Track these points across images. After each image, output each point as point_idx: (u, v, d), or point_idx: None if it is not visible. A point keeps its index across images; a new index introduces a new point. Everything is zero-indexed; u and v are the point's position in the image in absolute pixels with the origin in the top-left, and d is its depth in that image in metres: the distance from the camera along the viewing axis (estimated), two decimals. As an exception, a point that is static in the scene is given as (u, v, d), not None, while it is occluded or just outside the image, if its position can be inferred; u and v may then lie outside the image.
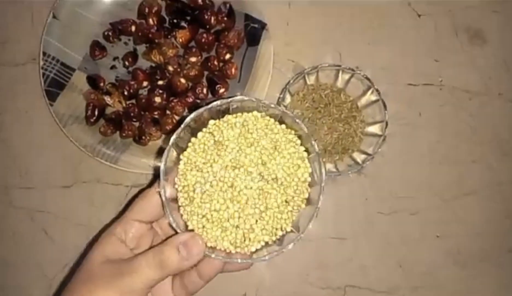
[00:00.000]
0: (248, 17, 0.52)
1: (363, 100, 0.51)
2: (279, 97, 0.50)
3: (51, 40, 0.51)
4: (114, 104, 0.52)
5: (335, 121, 0.51)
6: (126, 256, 0.32)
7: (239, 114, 0.35)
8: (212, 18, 0.52)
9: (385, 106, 0.48)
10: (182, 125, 0.34)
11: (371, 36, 0.54)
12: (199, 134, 0.35)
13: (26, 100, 0.53)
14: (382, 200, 0.52)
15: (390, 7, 0.54)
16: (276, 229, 0.34)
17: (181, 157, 0.35)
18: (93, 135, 0.51)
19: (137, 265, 0.31)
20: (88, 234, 0.52)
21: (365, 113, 0.51)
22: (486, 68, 0.54)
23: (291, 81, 0.49)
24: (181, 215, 0.34)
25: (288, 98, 0.51)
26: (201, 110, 0.34)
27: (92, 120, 0.51)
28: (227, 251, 0.34)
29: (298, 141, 0.35)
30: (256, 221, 0.34)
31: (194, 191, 0.34)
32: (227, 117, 0.35)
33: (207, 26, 0.52)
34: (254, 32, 0.51)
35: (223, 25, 0.52)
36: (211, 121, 0.35)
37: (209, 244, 0.33)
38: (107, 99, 0.51)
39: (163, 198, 0.33)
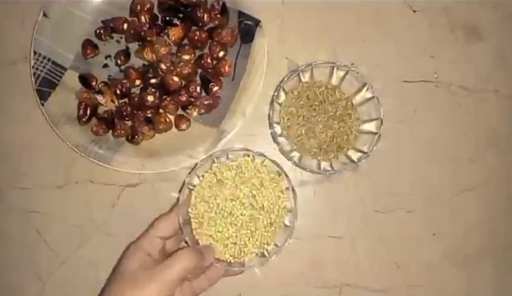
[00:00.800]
0: (241, 14, 0.51)
1: (358, 98, 0.50)
2: (273, 95, 0.49)
3: (42, 39, 0.50)
4: (106, 103, 0.51)
5: (330, 119, 0.50)
6: (153, 265, 0.40)
7: (235, 158, 0.47)
8: (205, 16, 0.51)
9: (380, 103, 0.48)
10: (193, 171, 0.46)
11: (366, 33, 0.53)
12: (206, 175, 0.47)
13: (18, 100, 0.53)
14: (378, 198, 0.52)
15: (385, 3, 0.53)
16: (264, 243, 0.47)
17: (192, 192, 0.47)
18: (85, 135, 0.50)
19: (172, 260, 0.39)
20: (81, 234, 0.52)
21: (360, 111, 0.51)
22: (483, 64, 0.53)
23: (285, 79, 0.49)
24: (194, 235, 0.46)
25: (282, 96, 0.51)
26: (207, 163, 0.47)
27: (84, 119, 0.50)
28: (228, 261, 0.46)
29: (279, 178, 0.47)
30: (249, 238, 0.46)
31: (202, 217, 0.46)
32: (226, 161, 0.47)
33: (200, 24, 0.51)
34: (247, 30, 0.51)
35: (216, 22, 0.52)
36: (214, 164, 0.47)
37: (216, 256, 0.45)
38: (100, 98, 0.51)
39: (180, 223, 0.44)
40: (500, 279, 0.52)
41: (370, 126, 0.50)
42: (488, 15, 0.53)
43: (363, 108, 0.51)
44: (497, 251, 0.52)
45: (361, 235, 0.52)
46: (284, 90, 0.51)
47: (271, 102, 0.49)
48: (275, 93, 0.49)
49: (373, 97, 0.48)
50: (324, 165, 0.50)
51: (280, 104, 0.51)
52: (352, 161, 0.49)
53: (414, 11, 0.53)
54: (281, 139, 0.50)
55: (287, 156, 0.49)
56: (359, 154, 0.49)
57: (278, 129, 0.51)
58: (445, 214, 0.52)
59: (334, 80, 0.51)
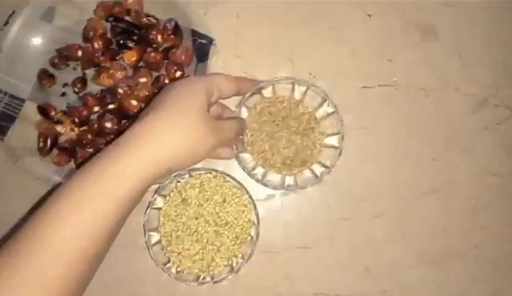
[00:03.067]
0: (195, 33, 0.51)
1: (321, 112, 0.51)
2: (235, 112, 0.49)
3: (-3, 73, 0.50)
4: (66, 132, 0.51)
5: (293, 134, 0.50)
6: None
7: (197, 176, 0.50)
8: (159, 36, 0.51)
9: (340, 117, 0.49)
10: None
11: (321, 41, 0.53)
12: (171, 194, 0.50)
13: (-23, 136, 0.52)
14: (344, 205, 0.52)
15: (338, 9, 0.53)
16: (232, 256, 0.49)
17: (160, 211, 0.50)
18: (47, 166, 0.50)
19: (234, 124, 0.43)
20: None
21: (323, 125, 0.51)
22: (441, 63, 0.53)
23: (247, 95, 0.49)
24: (164, 253, 0.50)
25: (245, 112, 0.51)
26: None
27: (45, 151, 0.50)
28: (198, 275, 0.49)
29: (241, 192, 0.49)
30: (215, 253, 0.49)
31: (171, 236, 0.49)
32: (189, 179, 0.50)
33: (155, 45, 0.51)
34: (202, 48, 0.51)
35: (170, 43, 0.51)
36: (179, 184, 0.50)
37: (185, 271, 0.49)
38: (59, 128, 0.51)
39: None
40: (471, 276, 0.52)
41: (333, 140, 0.50)
42: (443, 13, 0.53)
43: (326, 122, 0.51)
44: (465, 251, 0.52)
45: (330, 243, 0.52)
46: (246, 106, 0.51)
47: None
48: (237, 110, 0.49)
49: (334, 112, 0.49)
50: (288, 180, 0.50)
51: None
52: (316, 176, 0.50)
53: (369, 15, 0.53)
54: (242, 156, 0.50)
55: (249, 173, 0.49)
56: (322, 169, 0.50)
57: None
58: (412, 216, 0.52)
59: (297, 95, 0.51)
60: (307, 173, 0.51)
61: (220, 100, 0.44)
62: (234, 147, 0.47)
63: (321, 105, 0.50)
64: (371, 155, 0.52)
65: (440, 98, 0.53)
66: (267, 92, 0.51)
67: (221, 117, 0.47)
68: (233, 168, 0.50)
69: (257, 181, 0.49)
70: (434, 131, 0.53)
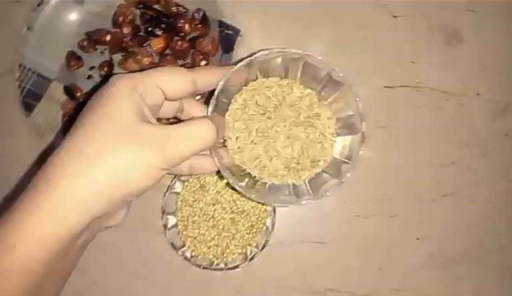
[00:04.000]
0: (222, 24, 0.52)
1: (326, 91, 0.38)
2: (208, 108, 0.35)
3: (27, 52, 0.51)
4: (90, 114, 0.52)
5: (292, 126, 0.37)
6: (150, 120, 0.29)
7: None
8: (186, 26, 0.52)
9: (355, 93, 0.36)
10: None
11: (346, 39, 0.53)
12: (190, 180, 0.48)
13: (4, 112, 0.53)
14: (361, 203, 0.52)
15: (364, 9, 0.53)
16: (246, 244, 0.49)
17: (178, 196, 0.49)
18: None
19: (191, 127, 0.30)
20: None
21: (332, 106, 0.38)
22: (463, 68, 0.53)
23: (221, 86, 0.34)
24: (180, 237, 0.49)
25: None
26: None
27: (68, 131, 0.51)
28: (212, 260, 0.49)
29: None
30: (230, 240, 0.49)
31: (187, 220, 0.49)
32: None
33: (182, 34, 0.52)
34: (228, 39, 0.51)
35: (197, 32, 0.52)
36: None
37: (199, 257, 0.49)
38: (84, 109, 0.52)
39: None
40: (484, 282, 0.52)
41: (347, 125, 0.37)
42: (468, 18, 0.54)
43: (334, 102, 0.38)
44: (480, 254, 0.52)
45: (345, 240, 0.52)
46: (221, 101, 0.36)
47: None
48: (210, 108, 0.34)
49: (343, 85, 0.36)
50: (300, 189, 0.37)
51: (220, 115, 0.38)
52: (335, 176, 0.37)
53: (394, 17, 0.53)
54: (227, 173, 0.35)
55: (245, 193, 0.35)
56: (343, 165, 0.37)
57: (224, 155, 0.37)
58: (428, 218, 0.52)
59: (290, 75, 0.38)
60: (323, 175, 0.38)
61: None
62: (215, 156, 0.34)
63: (324, 80, 0.37)
64: (390, 154, 0.53)
65: (461, 103, 0.53)
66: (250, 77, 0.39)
67: (186, 117, 0.35)
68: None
69: (255, 199, 0.35)
70: (454, 135, 0.53)
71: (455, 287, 0.52)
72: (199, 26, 0.52)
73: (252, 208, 0.49)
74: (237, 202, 0.49)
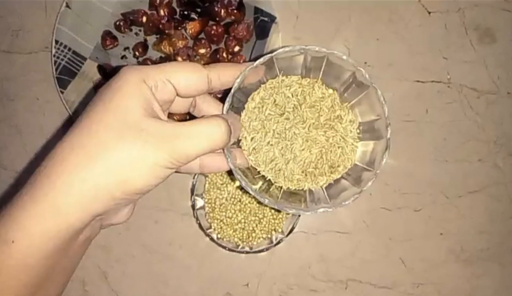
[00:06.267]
0: (257, 10, 0.52)
1: (350, 91, 0.35)
2: (222, 109, 0.33)
3: (64, 29, 0.52)
4: (123, 93, 0.52)
5: (312, 128, 0.34)
6: (159, 116, 0.28)
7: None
8: (222, 11, 0.52)
9: (381, 95, 0.33)
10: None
11: (380, 32, 0.54)
12: None
13: (38, 88, 0.54)
14: (386, 195, 0.53)
15: (400, 3, 0.54)
16: (272, 230, 0.50)
17: (206, 178, 0.50)
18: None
19: (199, 126, 0.27)
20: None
21: (355, 109, 0.36)
22: (495, 67, 0.53)
23: (238, 83, 0.32)
24: (207, 219, 0.50)
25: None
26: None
27: (101, 108, 0.52)
28: (237, 243, 0.50)
29: None
30: (256, 225, 0.50)
31: (215, 203, 0.50)
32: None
33: (217, 19, 0.52)
34: (263, 26, 0.52)
35: (232, 17, 0.53)
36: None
37: (225, 239, 0.50)
38: (117, 88, 0.52)
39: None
40: (505, 280, 0.52)
41: (371, 130, 0.35)
42: (502, 17, 0.54)
43: (358, 105, 0.36)
44: (502, 253, 0.52)
45: (368, 231, 0.52)
46: (238, 99, 0.35)
47: None
48: (226, 105, 0.32)
49: (368, 87, 0.33)
50: (316, 195, 0.35)
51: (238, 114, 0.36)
52: (356, 184, 0.34)
53: (429, 12, 0.54)
54: (240, 170, 0.33)
55: (256, 195, 0.32)
56: (364, 172, 0.34)
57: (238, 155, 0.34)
58: (453, 213, 0.52)
59: (312, 74, 0.36)
60: (342, 182, 0.35)
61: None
62: (227, 156, 0.32)
63: (348, 81, 0.35)
64: (418, 148, 0.53)
65: (491, 101, 0.53)
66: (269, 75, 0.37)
67: (198, 114, 0.34)
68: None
69: (269, 204, 0.33)
70: (482, 132, 0.53)
71: (476, 284, 0.52)
72: (234, 11, 0.52)
73: None
74: (265, 188, 0.50)
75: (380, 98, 0.33)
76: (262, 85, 0.35)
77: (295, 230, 0.49)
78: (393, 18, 0.54)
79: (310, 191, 0.35)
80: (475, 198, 0.53)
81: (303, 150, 0.34)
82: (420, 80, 0.53)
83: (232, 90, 0.32)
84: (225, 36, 0.53)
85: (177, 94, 0.29)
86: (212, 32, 0.52)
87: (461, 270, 0.52)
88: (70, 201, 0.25)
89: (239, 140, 0.34)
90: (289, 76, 0.36)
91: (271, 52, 0.32)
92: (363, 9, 0.54)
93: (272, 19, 0.51)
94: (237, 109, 0.34)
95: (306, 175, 0.35)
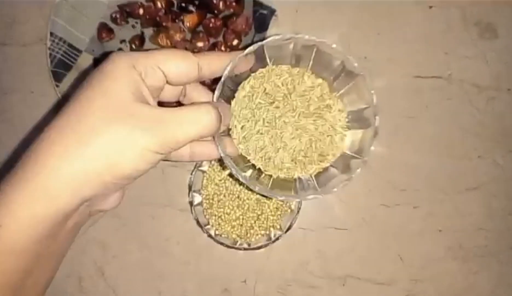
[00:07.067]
0: (256, 3, 0.51)
1: (339, 81, 0.35)
2: (212, 97, 0.33)
3: (59, 21, 0.51)
4: (120, 87, 0.51)
5: (301, 117, 0.35)
6: (148, 102, 0.28)
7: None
8: (221, 3, 0.51)
9: (369, 84, 0.33)
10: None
11: (380, 26, 0.53)
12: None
13: (32, 81, 0.53)
14: (385, 192, 0.52)
15: (400, -3, 0.53)
16: (270, 226, 0.50)
17: (204, 174, 0.49)
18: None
19: (189, 112, 0.27)
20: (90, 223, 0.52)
21: (344, 99, 0.36)
22: (496, 62, 0.53)
23: (227, 71, 0.32)
24: (204, 215, 0.50)
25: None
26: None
27: (97, 102, 0.51)
28: (235, 240, 0.49)
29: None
30: (255, 221, 0.49)
31: (213, 198, 0.49)
32: None
33: (215, 11, 0.52)
34: (262, 19, 0.51)
35: (231, 10, 0.52)
36: None
37: (223, 235, 0.50)
38: (113, 82, 0.51)
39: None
40: (503, 277, 0.52)
41: (359, 118, 0.35)
42: (504, 13, 0.53)
43: (347, 94, 0.36)
44: (501, 250, 0.52)
45: (367, 228, 0.52)
46: (228, 88, 0.35)
47: None
48: (214, 94, 0.32)
49: (357, 75, 0.33)
50: (306, 183, 0.35)
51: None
52: (343, 173, 0.34)
53: (430, 7, 0.53)
54: (231, 159, 0.33)
55: (246, 182, 0.33)
56: (353, 160, 0.34)
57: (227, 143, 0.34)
58: (451, 210, 0.52)
59: (302, 63, 0.36)
60: (331, 170, 0.35)
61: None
62: (218, 144, 0.32)
63: (337, 70, 0.35)
64: (418, 144, 0.52)
65: (492, 97, 0.53)
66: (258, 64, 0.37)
67: (188, 102, 0.34)
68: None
69: (259, 191, 0.33)
70: (482, 129, 0.53)
71: (474, 281, 0.52)
72: (233, 4, 0.51)
73: None
74: (263, 183, 0.49)
75: (368, 87, 0.33)
76: (252, 74, 0.35)
77: (293, 227, 0.49)
78: (393, 12, 0.53)
79: (300, 179, 0.35)
80: (474, 195, 0.52)
81: (293, 138, 0.34)
82: (420, 76, 0.53)
83: (222, 78, 0.32)
84: (224, 29, 0.52)
85: (167, 82, 0.29)
86: (210, 25, 0.51)
87: (459, 267, 0.52)
88: (59, 184, 0.24)
89: (229, 129, 0.35)
90: (279, 66, 0.35)
91: (262, 40, 0.32)
92: (363, 5, 0.53)
93: (272, 12, 0.51)
94: (227, 98, 0.34)
95: (296, 163, 0.35)
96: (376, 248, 0.52)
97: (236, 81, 0.35)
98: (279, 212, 0.49)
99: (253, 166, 0.35)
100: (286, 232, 0.48)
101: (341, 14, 0.53)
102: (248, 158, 0.35)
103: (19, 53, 0.54)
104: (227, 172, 0.50)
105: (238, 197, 0.49)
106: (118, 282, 0.52)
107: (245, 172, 0.34)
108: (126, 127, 0.25)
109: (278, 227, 0.50)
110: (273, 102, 0.35)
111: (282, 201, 0.50)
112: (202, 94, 0.33)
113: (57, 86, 0.50)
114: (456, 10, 0.53)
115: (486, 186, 0.53)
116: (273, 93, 0.35)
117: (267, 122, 0.35)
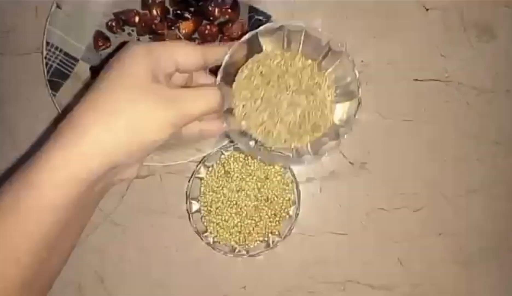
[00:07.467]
0: (252, 9, 0.51)
1: (326, 61, 0.41)
2: (214, 82, 0.38)
3: (55, 30, 0.51)
4: (116, 95, 0.51)
5: (295, 94, 0.40)
6: (162, 83, 0.32)
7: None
8: (216, 10, 0.51)
9: (352, 60, 0.38)
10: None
11: (377, 29, 0.53)
12: (214, 165, 0.49)
13: (29, 90, 0.53)
14: (384, 196, 0.52)
15: (397, 0, 0.53)
16: (269, 233, 0.50)
17: (202, 181, 0.50)
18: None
19: (198, 92, 0.33)
20: (90, 222, 0.52)
21: (330, 76, 0.41)
22: (494, 64, 0.53)
23: (227, 58, 0.37)
24: (203, 222, 0.50)
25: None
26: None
27: (94, 111, 0.51)
28: (234, 247, 0.49)
29: (284, 171, 0.49)
30: (253, 228, 0.49)
31: (211, 206, 0.50)
32: (233, 153, 0.49)
33: (211, 18, 0.51)
34: (258, 25, 0.51)
35: (227, 17, 0.52)
36: (223, 156, 0.49)
37: (221, 242, 0.50)
38: (110, 90, 0.51)
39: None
40: (503, 281, 0.52)
41: (346, 92, 0.41)
42: (502, 14, 0.53)
43: (334, 72, 0.41)
44: (501, 253, 0.52)
45: (366, 232, 0.52)
46: (227, 72, 0.39)
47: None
48: (217, 78, 0.38)
49: (341, 52, 0.38)
50: (302, 151, 0.41)
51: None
52: (334, 139, 0.40)
53: (427, 9, 0.53)
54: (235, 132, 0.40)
55: (250, 153, 0.42)
56: (341, 128, 0.40)
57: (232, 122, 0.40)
58: (451, 213, 0.52)
59: (292, 47, 0.41)
60: (322, 139, 0.41)
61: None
62: (225, 120, 0.37)
63: (324, 51, 0.40)
64: (416, 147, 0.52)
65: (490, 99, 0.52)
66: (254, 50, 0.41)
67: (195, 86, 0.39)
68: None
69: (262, 158, 0.43)
70: (481, 131, 0.52)
71: (474, 284, 0.52)
72: (229, 10, 0.51)
73: (276, 196, 0.49)
74: (261, 190, 0.49)
75: (351, 63, 0.39)
76: (250, 59, 0.40)
77: (292, 232, 0.49)
78: (390, 15, 0.53)
79: (296, 149, 0.41)
80: (473, 198, 0.52)
81: (288, 113, 0.40)
82: (418, 79, 0.52)
83: (223, 64, 0.37)
84: (219, 35, 0.52)
85: (177, 69, 0.34)
86: (206, 31, 0.51)
87: (460, 270, 0.52)
88: (94, 149, 0.28)
89: (231, 109, 0.39)
90: (272, 50, 0.41)
91: (256, 28, 0.38)
92: (360, 7, 0.53)
93: (268, 17, 0.51)
94: (228, 81, 0.39)
95: (292, 135, 0.40)
96: (375, 252, 0.52)
97: (234, 66, 0.40)
98: (277, 218, 0.49)
99: (254, 141, 0.40)
100: (284, 238, 0.48)
101: (338, 18, 0.53)
102: (250, 132, 0.40)
103: (16, 62, 0.54)
104: (222, 182, 0.50)
105: (236, 203, 0.49)
106: (117, 290, 0.52)
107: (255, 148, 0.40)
108: (149, 102, 0.30)
109: (277, 233, 0.50)
110: (269, 82, 0.40)
111: (282, 167, 0.50)
112: (206, 79, 0.39)
113: (53, 95, 0.50)
114: (453, 12, 0.53)
115: (485, 188, 0.52)
116: (268, 74, 0.40)
117: (265, 100, 0.40)
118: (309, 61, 0.41)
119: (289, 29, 0.38)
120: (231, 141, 0.50)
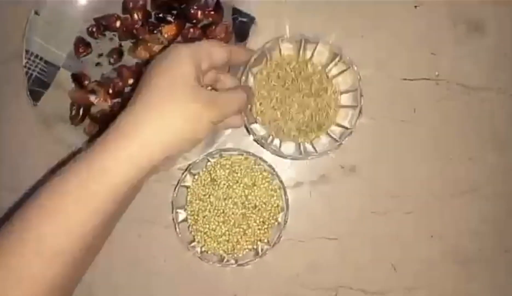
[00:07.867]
0: (236, 11, 0.50)
1: (334, 69, 0.48)
2: (240, 80, 0.46)
3: (34, 37, 0.49)
4: (99, 103, 0.50)
5: (305, 96, 0.47)
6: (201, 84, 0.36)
7: (228, 157, 0.48)
8: (199, 12, 0.50)
9: (357, 72, 0.46)
10: None
11: (364, 28, 0.51)
12: (200, 173, 0.49)
13: (9, 101, 0.52)
14: (375, 199, 0.51)
15: (385, -2, 0.51)
16: (257, 240, 0.49)
17: (188, 190, 0.49)
18: (78, 135, 0.50)
19: (235, 93, 0.39)
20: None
21: (337, 83, 0.48)
22: (485, 61, 0.51)
23: (252, 60, 0.45)
24: (190, 232, 0.49)
25: (251, 80, 0.48)
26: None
27: (76, 120, 0.50)
28: (222, 256, 0.48)
29: (272, 177, 0.48)
30: (241, 236, 0.48)
31: (198, 215, 0.48)
32: (219, 160, 0.49)
33: (194, 21, 0.50)
34: (242, 27, 0.50)
35: (210, 19, 0.50)
36: (209, 163, 0.49)
37: (209, 252, 0.49)
38: (92, 98, 0.50)
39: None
40: (498, 282, 0.51)
41: (349, 99, 0.47)
42: (492, 10, 0.51)
43: (340, 79, 0.48)
44: (496, 254, 0.51)
45: (358, 236, 0.51)
46: (252, 73, 0.47)
47: None
48: (243, 78, 0.45)
49: (348, 67, 0.46)
50: (307, 147, 0.48)
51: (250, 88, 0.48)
52: (335, 140, 0.47)
53: (415, 7, 0.51)
54: (254, 127, 0.47)
55: (262, 144, 0.46)
56: (341, 130, 0.47)
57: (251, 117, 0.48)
58: (444, 215, 0.51)
59: (306, 54, 0.48)
60: (325, 138, 0.48)
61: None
62: (243, 114, 0.43)
63: (333, 61, 0.47)
64: (407, 149, 0.51)
65: (482, 97, 0.51)
66: (273, 56, 0.49)
67: (222, 87, 0.43)
68: (264, 150, 0.49)
69: (273, 152, 0.46)
70: (473, 130, 0.51)
71: (469, 286, 0.51)
72: (212, 12, 0.50)
73: (264, 203, 0.48)
74: (249, 197, 0.48)
75: (356, 74, 0.46)
76: (269, 62, 0.48)
77: (282, 238, 0.48)
78: (378, 13, 0.51)
79: (302, 144, 0.48)
80: (466, 198, 0.51)
81: (298, 113, 0.47)
82: (407, 78, 0.51)
83: (247, 67, 0.45)
84: (203, 38, 0.50)
85: (210, 68, 0.37)
86: (189, 35, 0.50)
87: (454, 273, 0.51)
88: (155, 141, 0.32)
89: (250, 106, 0.46)
90: (289, 56, 0.48)
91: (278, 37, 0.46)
92: (347, 6, 0.51)
93: (251, 19, 0.49)
94: (249, 82, 0.46)
95: (300, 131, 0.48)
96: (368, 257, 0.51)
97: (255, 69, 0.47)
98: (265, 226, 0.48)
99: (268, 135, 0.48)
100: (273, 245, 0.47)
101: (324, 18, 0.52)
102: (264, 127, 0.48)
103: (-4, 71, 0.53)
104: (209, 190, 0.49)
105: (223, 212, 0.48)
106: (106, 301, 0.52)
107: (266, 141, 0.47)
108: (199, 104, 0.33)
109: (266, 240, 0.48)
110: (284, 84, 0.47)
111: (269, 173, 0.50)
112: (231, 80, 0.43)
113: (34, 105, 0.49)
114: (443, 8, 0.51)
115: (478, 189, 0.51)
116: (284, 78, 0.47)
117: (279, 100, 0.47)
118: (319, 67, 0.48)
119: (305, 39, 0.46)
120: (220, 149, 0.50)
